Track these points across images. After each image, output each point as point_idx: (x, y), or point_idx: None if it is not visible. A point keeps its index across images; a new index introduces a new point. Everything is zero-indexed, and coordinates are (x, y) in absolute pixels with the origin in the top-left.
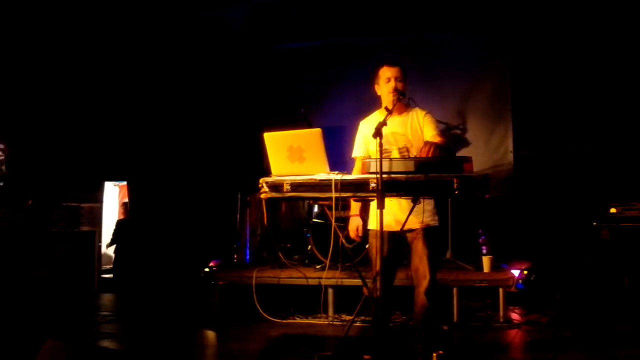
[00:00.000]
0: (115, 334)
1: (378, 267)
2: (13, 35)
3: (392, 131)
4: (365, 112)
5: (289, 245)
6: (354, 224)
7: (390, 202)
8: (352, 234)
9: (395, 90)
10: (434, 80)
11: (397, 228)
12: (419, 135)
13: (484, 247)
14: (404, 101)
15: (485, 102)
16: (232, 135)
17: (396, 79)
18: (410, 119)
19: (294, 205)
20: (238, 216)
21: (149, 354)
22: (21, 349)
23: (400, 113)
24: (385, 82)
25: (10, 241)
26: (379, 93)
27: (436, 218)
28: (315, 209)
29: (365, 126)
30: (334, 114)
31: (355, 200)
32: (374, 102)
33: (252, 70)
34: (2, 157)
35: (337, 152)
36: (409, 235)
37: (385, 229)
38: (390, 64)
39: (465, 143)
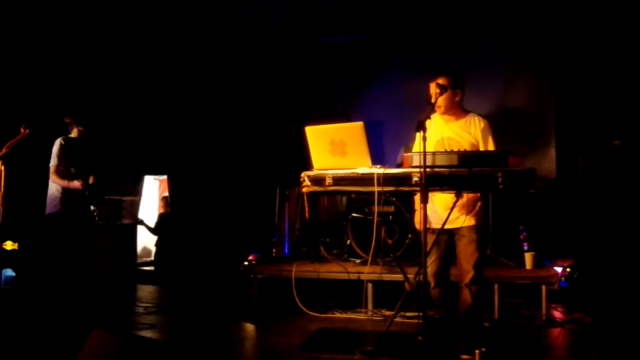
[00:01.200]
0: (156, 325)
1: (429, 261)
2: (65, 30)
3: (447, 136)
4: (404, 106)
5: (328, 239)
6: (418, 217)
7: (446, 198)
8: (418, 227)
9: (437, 103)
10: (474, 73)
11: (447, 225)
12: (473, 143)
13: (525, 244)
14: (461, 106)
15: (525, 95)
16: (271, 129)
17: (436, 94)
18: (467, 126)
19: (333, 199)
20: (277, 210)
21: (190, 346)
22: (69, 338)
23: (457, 118)
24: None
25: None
26: None
27: (483, 216)
28: (354, 203)
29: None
30: (373, 109)
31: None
32: (413, 97)
33: (292, 65)
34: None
35: (376, 147)
36: (460, 231)
37: (437, 226)
38: (433, 77)
39: (506, 138)
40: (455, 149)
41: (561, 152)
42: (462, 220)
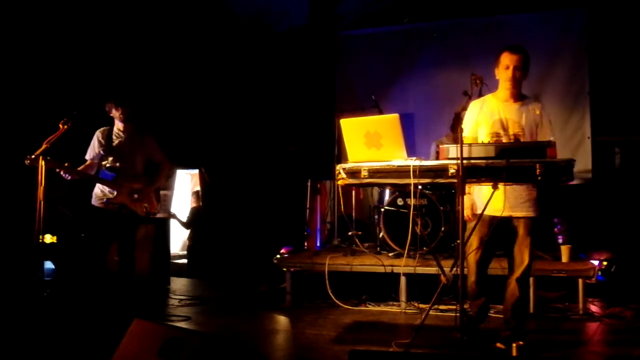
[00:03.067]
0: (191, 317)
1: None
2: (105, 28)
3: (507, 117)
4: (435, 98)
5: (360, 232)
6: (469, 202)
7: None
8: (466, 212)
9: (513, 78)
10: None
11: (498, 214)
12: (531, 127)
13: (560, 237)
14: (520, 89)
15: (561, 85)
16: (303, 123)
17: (515, 67)
18: (526, 109)
19: (364, 193)
20: (307, 203)
21: (226, 337)
22: (108, 329)
23: (516, 100)
24: (505, 69)
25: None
26: (497, 77)
27: (538, 209)
28: (386, 196)
29: (476, 107)
30: (404, 101)
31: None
32: (444, 89)
33: (322, 58)
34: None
35: (407, 139)
36: (512, 223)
37: (488, 213)
38: (513, 50)
39: None
40: (515, 130)
41: (597, 143)
42: (524, 209)
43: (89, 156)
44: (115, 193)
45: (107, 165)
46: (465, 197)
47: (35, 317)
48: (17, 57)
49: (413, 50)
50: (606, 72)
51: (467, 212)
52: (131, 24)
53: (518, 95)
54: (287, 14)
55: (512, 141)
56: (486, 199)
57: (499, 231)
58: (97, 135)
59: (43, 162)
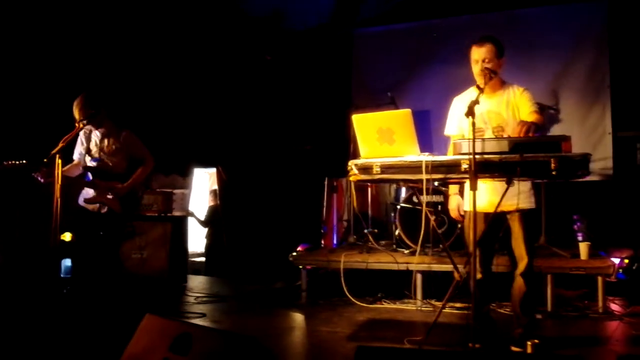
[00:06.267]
0: (206, 314)
1: (471, 250)
2: (124, 29)
3: (486, 110)
4: (453, 94)
5: (376, 230)
6: (454, 203)
7: (484, 183)
8: (452, 214)
9: (484, 70)
10: (526, 58)
11: (491, 210)
12: (515, 114)
13: (579, 234)
14: (499, 78)
15: (581, 79)
16: (319, 121)
17: (484, 60)
18: (506, 97)
19: (380, 190)
20: (324, 201)
21: (241, 334)
22: (121, 323)
23: (495, 91)
24: (474, 64)
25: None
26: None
27: (533, 200)
28: (403, 193)
29: (459, 103)
30: (421, 98)
31: (449, 183)
32: (462, 84)
33: (339, 55)
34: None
35: (424, 137)
36: (506, 217)
37: (478, 210)
38: (478, 43)
39: (559, 124)
40: (496, 122)
41: (618, 139)
42: (514, 203)
43: (75, 156)
44: (93, 193)
45: (85, 165)
46: (451, 197)
47: (55, 314)
48: (18, 58)
49: (429, 47)
50: (627, 66)
51: (454, 214)
52: (151, 26)
53: (496, 85)
54: (303, 14)
55: (496, 135)
56: (478, 196)
57: (494, 227)
58: (80, 134)
59: (60, 161)
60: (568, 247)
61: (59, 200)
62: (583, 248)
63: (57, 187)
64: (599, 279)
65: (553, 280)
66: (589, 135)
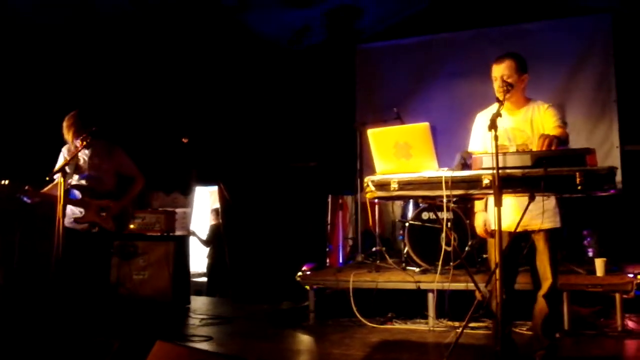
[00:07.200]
0: (213, 337)
1: (496, 270)
2: (134, 47)
3: (510, 127)
4: (457, 110)
5: (384, 248)
6: (480, 219)
7: (509, 200)
8: (479, 231)
9: (504, 86)
10: (532, 72)
11: (527, 227)
12: (540, 131)
13: (589, 249)
14: (523, 94)
15: (587, 94)
16: (322, 138)
17: (502, 76)
18: (530, 113)
19: (384, 207)
20: (329, 219)
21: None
22: (132, 350)
23: (519, 107)
24: (494, 82)
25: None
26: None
27: (558, 219)
28: (410, 210)
29: (482, 119)
30: (426, 113)
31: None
32: (468, 99)
33: (342, 72)
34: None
35: None
36: (531, 236)
37: (503, 228)
38: (497, 60)
39: None
40: (521, 140)
41: (626, 152)
42: (539, 222)
43: (55, 175)
44: (83, 212)
45: (73, 183)
46: (477, 214)
47: (57, 338)
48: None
49: (434, 62)
50: (633, 79)
51: (479, 230)
52: (154, 42)
53: (520, 102)
54: (306, 31)
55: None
56: (502, 214)
57: (518, 246)
58: (63, 151)
59: (62, 179)
60: (579, 262)
61: (61, 220)
62: (599, 264)
63: (59, 207)
64: (617, 296)
65: (569, 297)
66: (597, 148)
